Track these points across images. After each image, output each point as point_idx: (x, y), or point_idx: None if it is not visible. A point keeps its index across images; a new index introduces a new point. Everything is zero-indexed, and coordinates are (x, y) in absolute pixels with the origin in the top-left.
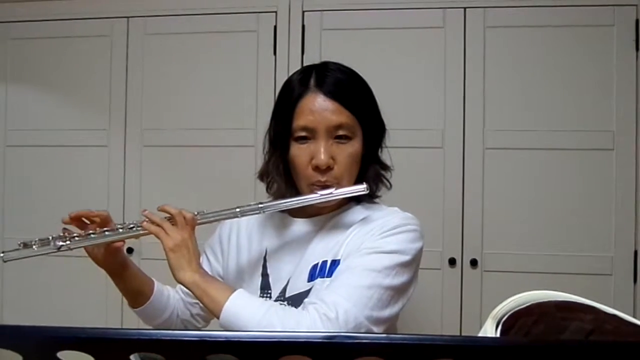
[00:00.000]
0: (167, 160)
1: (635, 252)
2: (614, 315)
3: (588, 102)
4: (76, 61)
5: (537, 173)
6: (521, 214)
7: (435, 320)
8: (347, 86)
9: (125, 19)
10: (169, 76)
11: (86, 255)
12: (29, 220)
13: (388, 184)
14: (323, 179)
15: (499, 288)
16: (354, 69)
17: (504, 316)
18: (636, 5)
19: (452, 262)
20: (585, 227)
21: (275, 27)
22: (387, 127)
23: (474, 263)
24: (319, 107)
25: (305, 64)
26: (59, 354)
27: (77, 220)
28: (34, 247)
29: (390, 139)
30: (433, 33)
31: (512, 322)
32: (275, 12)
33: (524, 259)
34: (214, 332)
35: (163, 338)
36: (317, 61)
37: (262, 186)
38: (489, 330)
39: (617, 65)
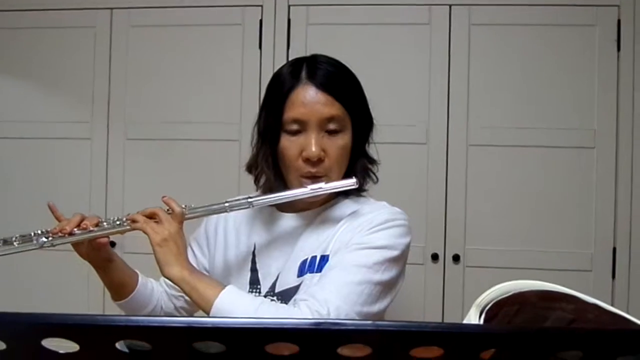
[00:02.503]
0: (150, 153)
1: (614, 249)
2: (595, 305)
3: (570, 100)
4: (59, 52)
5: (520, 170)
6: (503, 210)
7: (417, 315)
8: (338, 79)
9: (109, 10)
10: (153, 69)
11: (67, 248)
12: (9, 214)
13: (375, 177)
14: (313, 170)
15: (480, 283)
16: None
17: (487, 305)
18: (618, 5)
19: (434, 257)
20: (565, 224)
21: (260, 21)
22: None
23: (456, 258)
24: (310, 99)
25: (290, 59)
26: (44, 342)
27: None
28: (14, 243)
29: (374, 134)
30: (418, 30)
31: (496, 311)
32: (261, 5)
33: (506, 255)
34: (201, 319)
35: (150, 325)
36: (302, 56)
37: (246, 180)
38: (473, 318)
39: (599, 64)
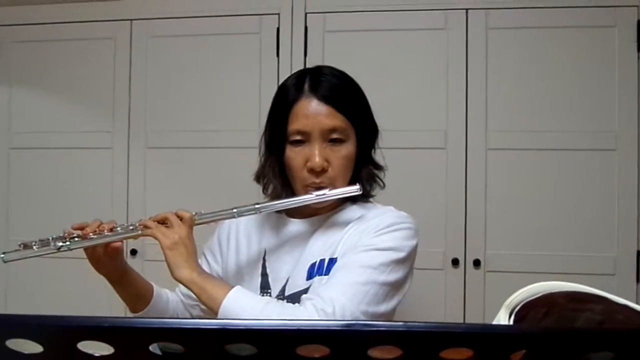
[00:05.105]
0: (170, 162)
1: (638, 252)
2: (625, 306)
3: (590, 102)
4: (80, 64)
5: (540, 173)
6: (524, 214)
7: (438, 320)
8: (340, 90)
9: (129, 21)
10: (173, 78)
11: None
12: (33, 222)
13: (381, 183)
14: (318, 180)
15: (501, 288)
16: (356, 70)
17: (517, 306)
18: (637, 6)
19: (455, 262)
20: (587, 227)
21: (277, 29)
22: (390, 128)
23: (476, 263)
24: (313, 111)
25: (308, 66)
26: (79, 345)
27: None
28: (34, 247)
29: (393, 140)
30: (435, 35)
31: (525, 312)
32: (278, 14)
33: (527, 259)
34: (233, 320)
35: (183, 327)
36: (320, 63)
37: None
38: (503, 319)
39: (619, 65)
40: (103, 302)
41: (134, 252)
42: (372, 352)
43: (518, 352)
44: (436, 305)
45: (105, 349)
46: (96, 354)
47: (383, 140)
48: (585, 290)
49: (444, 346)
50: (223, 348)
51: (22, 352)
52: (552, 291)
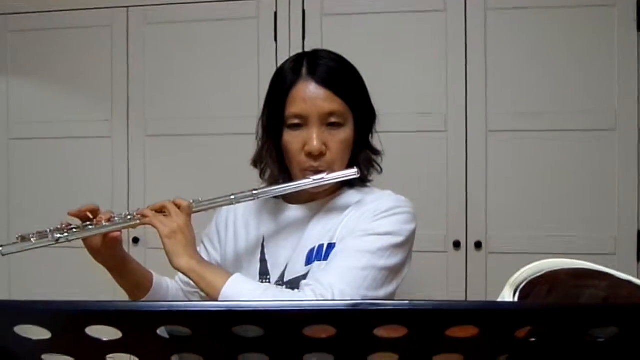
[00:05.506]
0: (170, 149)
1: (638, 232)
2: (628, 281)
3: (590, 83)
4: (77, 52)
5: (540, 154)
6: (525, 195)
7: None
8: (338, 74)
9: (125, 8)
10: (170, 65)
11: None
12: (34, 213)
13: (379, 168)
14: (316, 164)
15: (503, 270)
16: (355, 53)
17: (521, 284)
18: None
19: (456, 244)
20: (588, 207)
21: (275, 14)
22: (390, 111)
23: (478, 245)
24: (311, 95)
25: (306, 50)
26: (88, 330)
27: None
28: (32, 239)
29: (393, 123)
30: (434, 16)
31: (529, 290)
32: None
33: (528, 241)
34: (241, 302)
35: (190, 309)
36: (318, 47)
37: None
38: (507, 296)
39: (619, 45)
40: (108, 292)
41: (136, 241)
42: (378, 332)
43: (523, 328)
44: (438, 287)
45: (114, 334)
46: (104, 339)
47: (383, 123)
48: (589, 267)
49: (449, 324)
50: (230, 330)
51: (30, 338)
52: (556, 268)
